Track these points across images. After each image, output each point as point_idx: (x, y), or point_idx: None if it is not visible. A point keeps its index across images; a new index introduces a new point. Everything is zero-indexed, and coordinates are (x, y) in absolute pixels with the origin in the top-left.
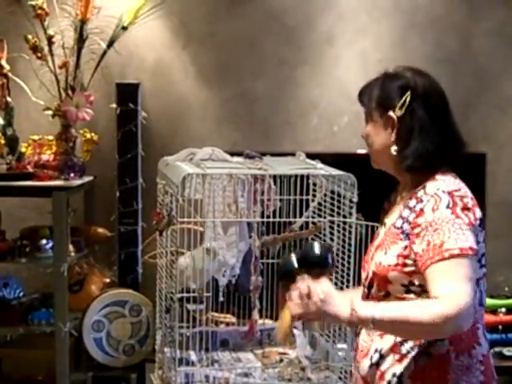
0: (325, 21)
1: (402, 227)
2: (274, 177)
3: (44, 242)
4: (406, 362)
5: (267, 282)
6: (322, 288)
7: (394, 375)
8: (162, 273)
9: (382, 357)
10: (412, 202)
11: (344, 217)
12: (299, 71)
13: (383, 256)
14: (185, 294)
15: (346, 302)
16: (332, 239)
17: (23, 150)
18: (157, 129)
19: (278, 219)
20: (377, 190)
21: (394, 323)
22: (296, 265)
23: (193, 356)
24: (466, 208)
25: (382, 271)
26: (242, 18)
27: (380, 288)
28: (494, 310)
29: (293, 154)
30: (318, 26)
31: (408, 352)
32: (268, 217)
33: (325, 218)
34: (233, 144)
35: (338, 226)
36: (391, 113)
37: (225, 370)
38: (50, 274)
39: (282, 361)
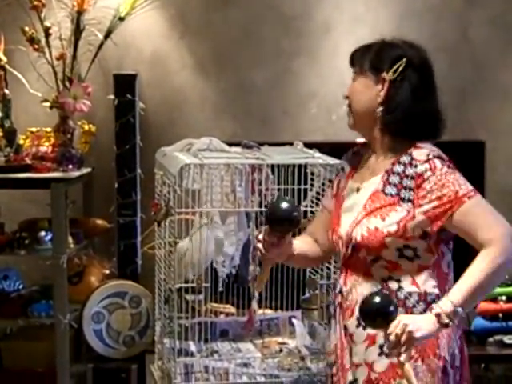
0: (322, 10)
1: (398, 194)
2: (272, 166)
3: (43, 233)
4: None
5: None
6: (408, 320)
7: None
8: (160, 263)
9: None
10: (398, 168)
11: None
12: (297, 61)
13: (381, 222)
14: (183, 285)
15: (428, 317)
16: None
17: (21, 142)
18: (154, 119)
19: None
20: None
21: (475, 295)
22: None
23: (192, 346)
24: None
25: (378, 236)
26: (239, 7)
27: (371, 252)
28: (494, 298)
29: (291, 144)
30: (316, 15)
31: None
32: (266, 206)
33: None
34: (231, 134)
35: None
36: (384, 74)
37: (224, 360)
38: (50, 265)
39: (281, 351)
